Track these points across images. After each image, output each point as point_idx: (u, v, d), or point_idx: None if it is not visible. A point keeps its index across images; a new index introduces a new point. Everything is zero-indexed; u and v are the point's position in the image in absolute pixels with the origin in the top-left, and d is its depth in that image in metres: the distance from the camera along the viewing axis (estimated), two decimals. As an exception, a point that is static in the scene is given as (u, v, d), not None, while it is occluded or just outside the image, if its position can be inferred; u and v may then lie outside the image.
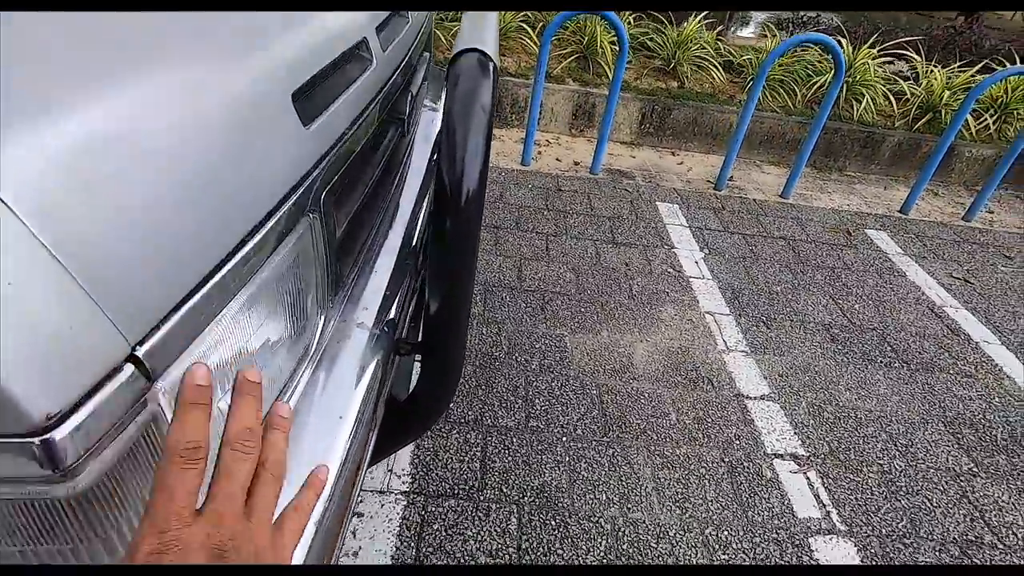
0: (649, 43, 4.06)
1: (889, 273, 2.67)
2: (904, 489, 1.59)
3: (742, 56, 4.07)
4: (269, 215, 0.50)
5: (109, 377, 0.33)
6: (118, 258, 0.33)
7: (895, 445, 1.73)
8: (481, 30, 0.86)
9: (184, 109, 0.41)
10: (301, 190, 0.57)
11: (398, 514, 1.35)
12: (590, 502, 1.44)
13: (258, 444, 0.35)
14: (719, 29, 4.39)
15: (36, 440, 0.29)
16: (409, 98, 1.07)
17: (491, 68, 0.74)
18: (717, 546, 1.38)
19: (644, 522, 1.41)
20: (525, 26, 3.93)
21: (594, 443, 1.60)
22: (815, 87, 3.89)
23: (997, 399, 1.97)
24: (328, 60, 0.67)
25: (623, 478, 1.51)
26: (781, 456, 1.63)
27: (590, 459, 1.55)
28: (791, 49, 3.92)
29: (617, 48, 3.12)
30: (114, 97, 0.36)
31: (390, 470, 1.45)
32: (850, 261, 2.72)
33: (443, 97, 1.64)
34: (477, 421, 1.61)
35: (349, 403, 0.67)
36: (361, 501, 1.37)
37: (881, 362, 2.07)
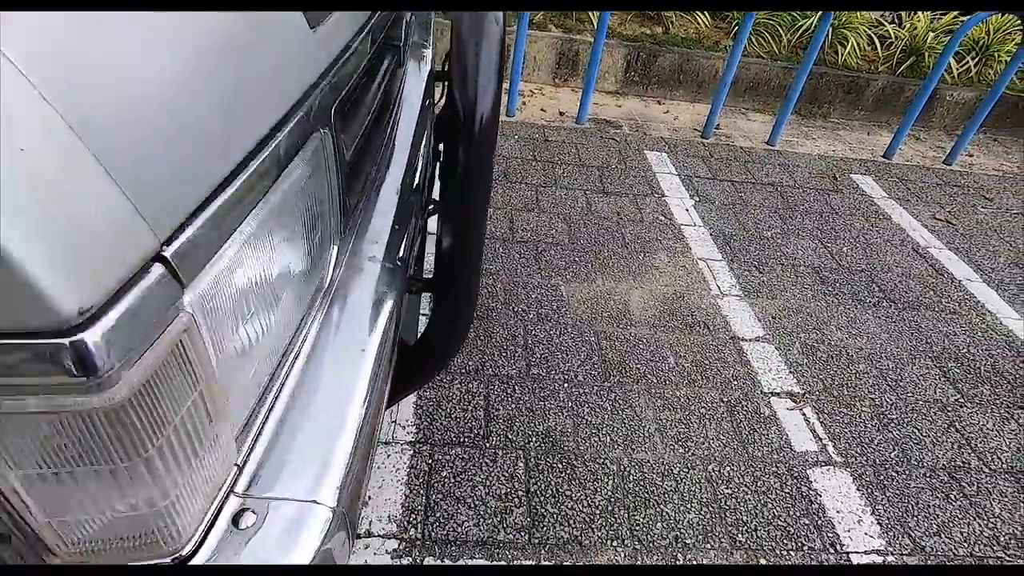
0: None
1: (875, 216, 2.69)
2: (895, 421, 1.64)
3: None
4: (284, 120, 0.46)
5: (140, 276, 0.29)
6: (140, 143, 0.29)
7: (885, 380, 1.77)
8: None
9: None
10: (312, 99, 0.52)
11: (405, 463, 1.35)
12: (595, 445, 1.45)
13: None
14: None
15: (67, 341, 0.26)
16: (404, 24, 1.00)
17: None
18: (720, 481, 1.41)
19: (649, 462, 1.43)
20: (504, -30, 3.75)
21: (596, 388, 1.60)
22: (800, 31, 3.83)
23: (980, 333, 2.03)
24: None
25: (626, 420, 1.52)
26: (778, 394, 1.67)
27: (592, 404, 1.55)
28: (776, -8, 3.83)
29: None
30: None
31: (394, 421, 1.44)
32: (837, 206, 2.74)
33: (430, 38, 1.54)
34: (478, 371, 1.60)
35: (371, 336, 0.64)
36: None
37: (870, 302, 2.11)
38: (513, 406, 1.52)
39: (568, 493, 1.33)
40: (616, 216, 2.39)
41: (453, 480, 1.32)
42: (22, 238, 0.23)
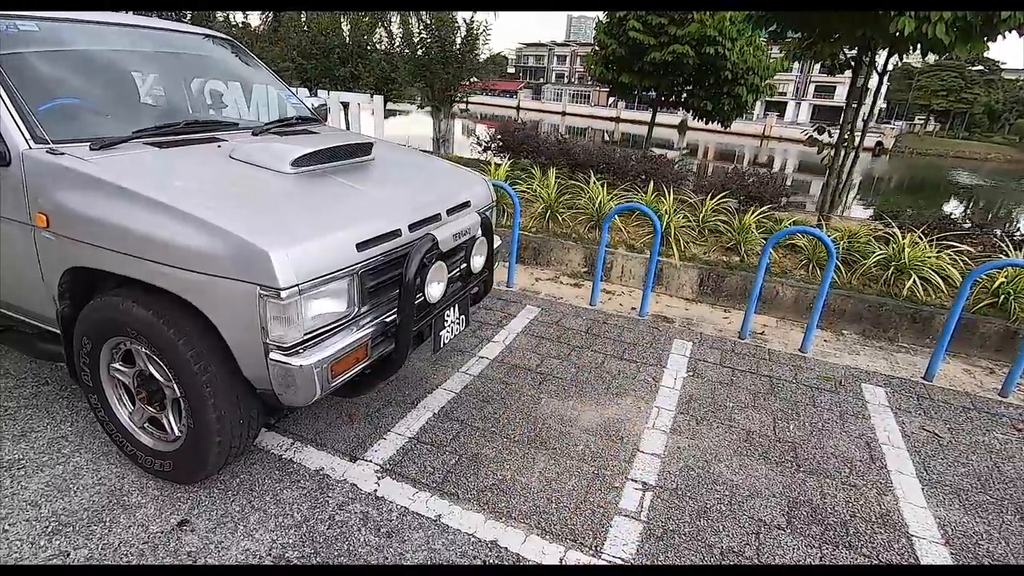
0: (720, 227, 5.18)
1: (852, 415, 3.16)
2: (711, 515, 2.29)
3: (801, 240, 4.90)
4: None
5: (295, 286, 1.83)
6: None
7: (728, 499, 2.41)
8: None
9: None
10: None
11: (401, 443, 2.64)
12: (516, 463, 2.52)
13: None
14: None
15: (280, 290, 1.79)
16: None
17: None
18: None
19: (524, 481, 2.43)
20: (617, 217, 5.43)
21: (522, 445, 2.67)
22: (871, 268, 4.49)
23: (864, 506, 2.45)
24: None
25: (528, 465, 2.56)
26: (634, 480, 2.49)
27: (514, 451, 2.63)
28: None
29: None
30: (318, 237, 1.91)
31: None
32: (820, 401, 3.28)
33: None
34: (460, 421, 2.83)
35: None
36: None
37: (774, 460, 2.70)
38: (465, 439, 2.69)
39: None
40: (617, 373, 3.46)
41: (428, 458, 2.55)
42: (284, 267, 1.76)
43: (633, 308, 4.53)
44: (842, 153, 5.68)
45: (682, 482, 2.51)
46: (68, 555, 1.91)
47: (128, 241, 1.91)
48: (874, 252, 4.62)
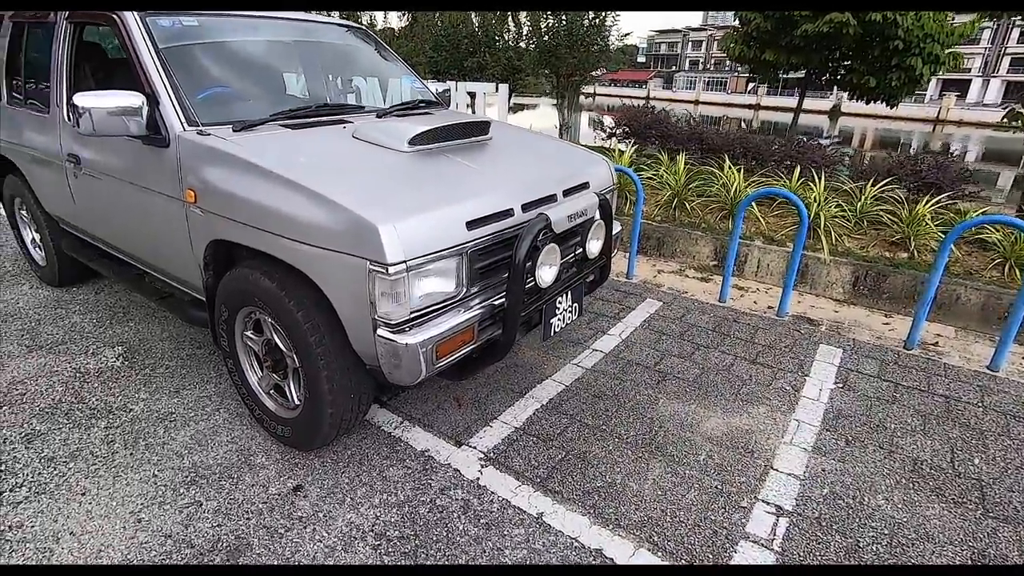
0: (884, 218, 4.43)
1: (1067, 453, 2.49)
2: (865, 559, 1.90)
3: (993, 235, 4.02)
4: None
5: (403, 262, 1.79)
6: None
7: (886, 536, 1.98)
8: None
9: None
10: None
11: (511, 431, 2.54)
12: (628, 466, 2.32)
13: None
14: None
15: (387, 266, 1.76)
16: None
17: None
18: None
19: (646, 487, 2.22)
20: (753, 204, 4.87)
21: (634, 448, 2.45)
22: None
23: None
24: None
25: (641, 470, 2.33)
26: (766, 502, 2.15)
27: (626, 453, 2.41)
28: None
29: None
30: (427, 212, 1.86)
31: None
32: (1019, 432, 2.63)
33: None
34: (570, 415, 2.67)
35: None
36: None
37: (951, 498, 2.20)
38: (573, 435, 2.53)
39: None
40: (747, 377, 3.07)
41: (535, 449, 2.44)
42: (392, 243, 1.73)
43: (770, 307, 4.03)
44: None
45: (827, 511, 2.13)
46: (200, 504, 2.07)
47: (254, 213, 2.00)
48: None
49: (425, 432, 2.51)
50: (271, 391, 2.40)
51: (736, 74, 61.36)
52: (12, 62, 3.33)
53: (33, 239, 3.86)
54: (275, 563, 1.85)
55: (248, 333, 2.35)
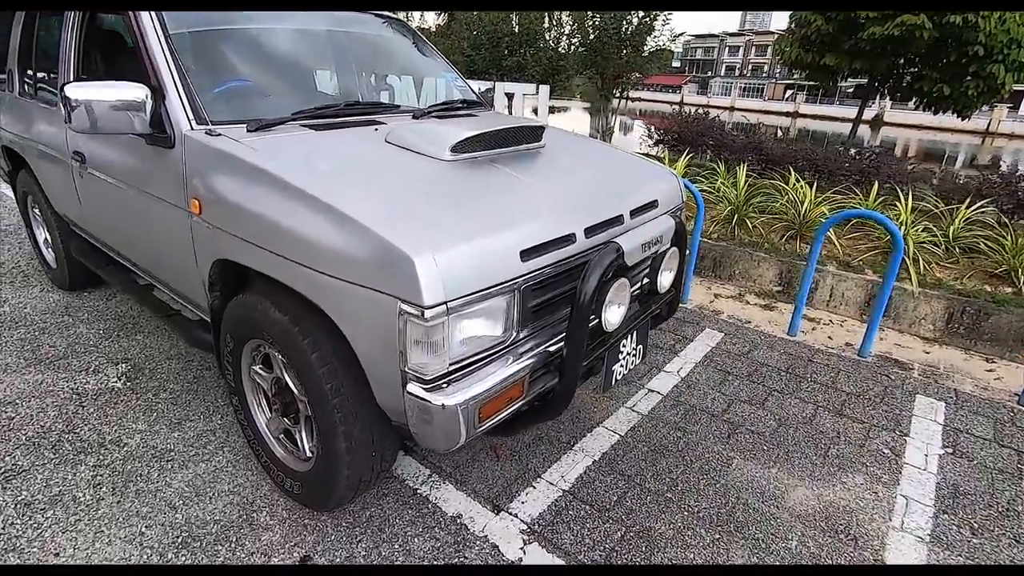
0: (981, 245, 3.87)
1: None
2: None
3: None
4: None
5: (440, 305, 1.41)
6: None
7: None
8: None
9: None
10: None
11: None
12: (702, 550, 1.90)
13: None
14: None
15: (423, 310, 1.38)
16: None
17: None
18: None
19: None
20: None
21: (705, 526, 2.02)
22: None
23: None
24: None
25: (719, 556, 1.90)
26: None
27: (696, 535, 1.99)
28: None
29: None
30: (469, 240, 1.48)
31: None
32: None
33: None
34: (628, 477, 2.25)
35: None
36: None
37: None
38: (633, 504, 2.11)
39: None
40: (835, 434, 2.60)
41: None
42: (431, 278, 1.36)
43: (848, 344, 3.53)
44: None
45: (966, 635, 1.67)
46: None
47: (263, 231, 1.65)
48: None
49: (457, 491, 2.13)
50: (280, 436, 2.05)
51: (774, 80, 59.66)
52: (25, 51, 3.09)
53: (46, 239, 3.62)
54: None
55: (256, 368, 2.00)
